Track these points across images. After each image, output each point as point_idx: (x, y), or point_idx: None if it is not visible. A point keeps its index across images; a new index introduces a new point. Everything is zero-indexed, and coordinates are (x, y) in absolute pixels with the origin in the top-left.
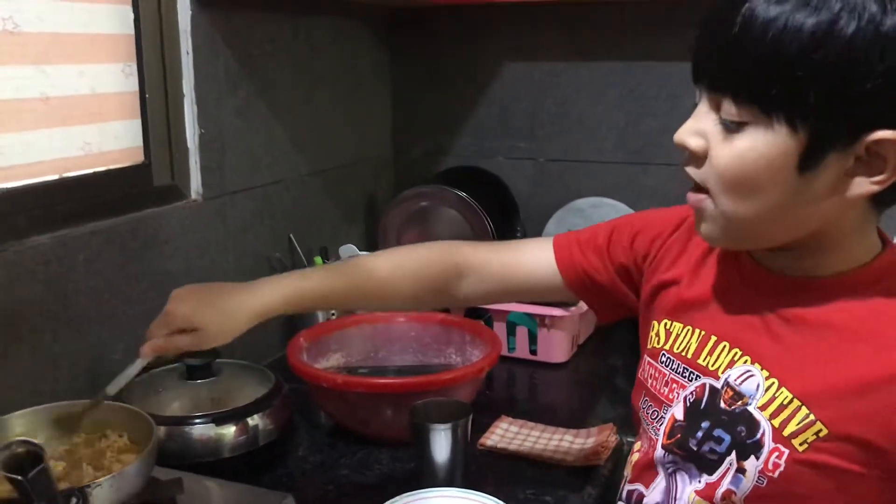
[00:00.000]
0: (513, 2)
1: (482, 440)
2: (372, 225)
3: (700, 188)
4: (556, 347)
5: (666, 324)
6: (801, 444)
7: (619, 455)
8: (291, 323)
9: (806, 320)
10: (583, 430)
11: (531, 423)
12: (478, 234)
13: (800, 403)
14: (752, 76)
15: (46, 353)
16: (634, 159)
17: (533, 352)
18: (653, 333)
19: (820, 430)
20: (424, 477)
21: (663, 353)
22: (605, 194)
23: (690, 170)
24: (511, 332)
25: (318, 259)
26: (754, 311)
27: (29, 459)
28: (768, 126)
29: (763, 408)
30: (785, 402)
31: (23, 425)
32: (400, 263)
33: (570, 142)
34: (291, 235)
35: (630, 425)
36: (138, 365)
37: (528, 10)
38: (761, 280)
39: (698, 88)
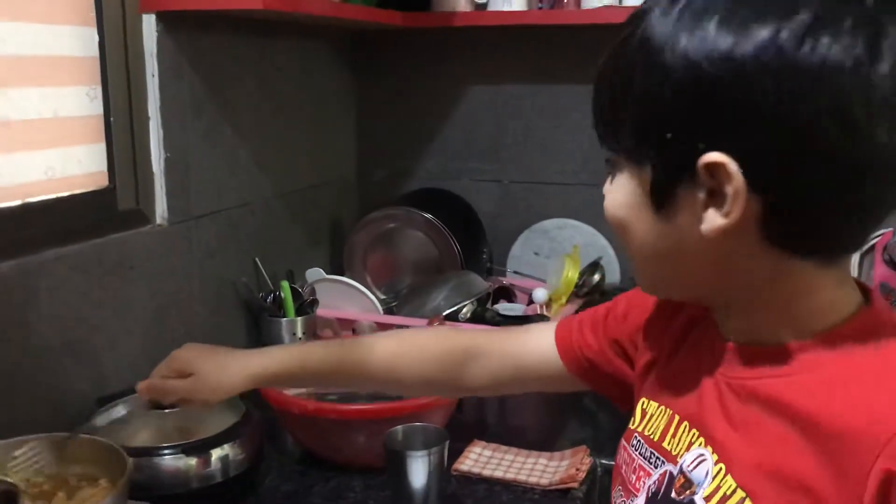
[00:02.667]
0: (474, 26)
1: (456, 465)
2: (337, 248)
3: None
4: None
5: (643, 403)
6: None
7: (594, 477)
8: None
9: (756, 396)
10: (556, 452)
11: (504, 447)
12: (444, 257)
13: (744, 495)
14: (598, 116)
15: (7, 382)
16: (598, 181)
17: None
18: (633, 414)
19: None
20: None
21: (635, 436)
22: (570, 216)
23: None
24: None
25: (285, 284)
26: (713, 386)
27: (4, 498)
28: (623, 164)
29: (708, 499)
30: (728, 493)
31: None
32: (402, 343)
33: (534, 164)
34: (257, 259)
35: (601, 447)
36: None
37: (491, 34)
38: (718, 348)
39: None
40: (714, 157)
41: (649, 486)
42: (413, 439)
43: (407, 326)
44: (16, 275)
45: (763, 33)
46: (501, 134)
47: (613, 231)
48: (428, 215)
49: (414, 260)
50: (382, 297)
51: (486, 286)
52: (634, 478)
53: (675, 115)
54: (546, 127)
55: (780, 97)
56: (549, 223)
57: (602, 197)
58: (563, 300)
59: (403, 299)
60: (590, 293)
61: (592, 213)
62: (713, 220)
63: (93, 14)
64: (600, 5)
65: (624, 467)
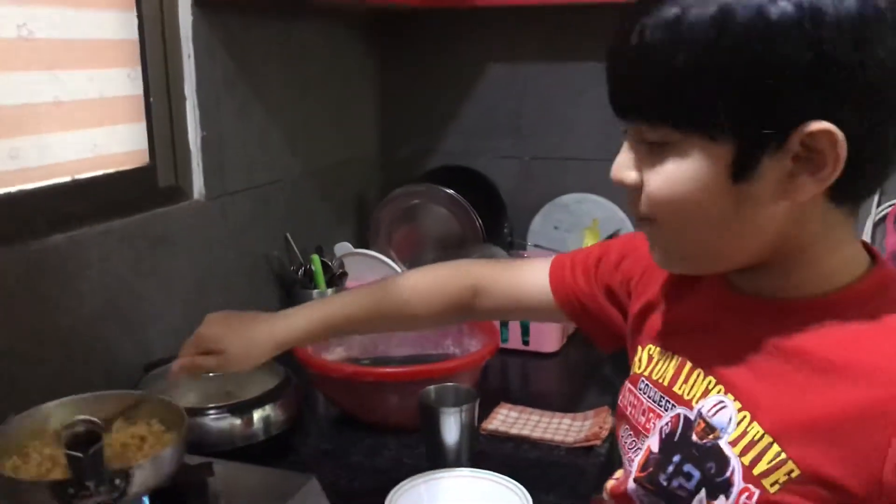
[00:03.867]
0: (493, 5)
1: (484, 424)
2: (362, 223)
3: (642, 220)
4: (547, 338)
5: (650, 349)
6: (772, 485)
7: (615, 435)
8: None
9: (781, 348)
10: (579, 413)
11: (529, 409)
12: (466, 232)
13: (771, 440)
14: (656, 94)
15: (64, 348)
16: (615, 156)
17: (525, 342)
18: (636, 359)
19: (792, 471)
20: (434, 458)
21: (642, 380)
22: (589, 190)
23: (631, 207)
24: (504, 324)
25: (315, 257)
26: (730, 337)
27: (86, 437)
28: (688, 142)
29: (734, 443)
30: (756, 438)
31: (60, 413)
32: (418, 284)
33: (553, 140)
34: (288, 234)
35: None
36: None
37: (510, 14)
38: (737, 303)
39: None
40: (821, 125)
41: (661, 428)
42: (445, 398)
43: None
44: (69, 247)
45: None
46: (520, 111)
47: (665, 212)
48: (450, 191)
49: (437, 235)
50: (405, 270)
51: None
52: (644, 419)
53: (783, 89)
54: (564, 104)
55: (883, 64)
56: (568, 198)
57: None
58: None
59: None
60: None
61: (610, 187)
62: (807, 186)
63: None
64: None
65: (630, 409)
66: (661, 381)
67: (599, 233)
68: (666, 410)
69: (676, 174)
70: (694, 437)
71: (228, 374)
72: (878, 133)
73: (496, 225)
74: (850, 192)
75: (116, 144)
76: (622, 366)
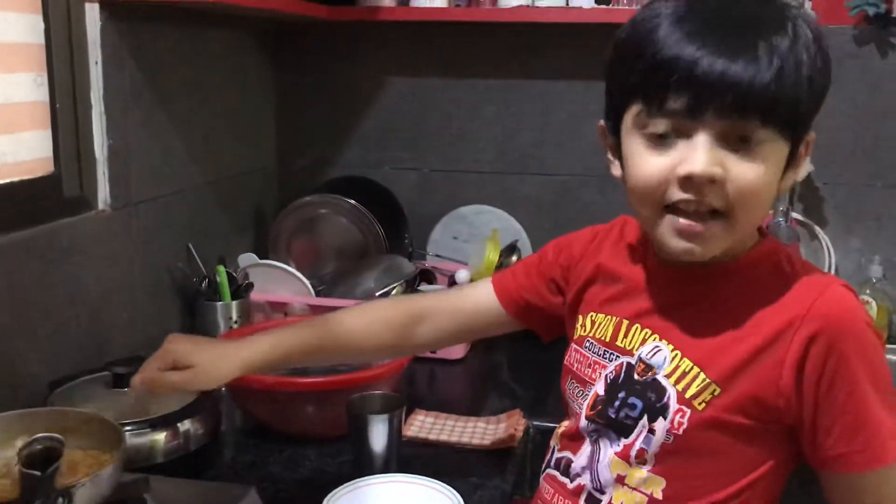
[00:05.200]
0: (394, 20)
1: (403, 431)
2: (261, 235)
3: (702, 215)
4: (453, 346)
5: (592, 315)
6: (700, 404)
7: (528, 436)
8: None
9: (705, 298)
10: (492, 416)
11: (444, 414)
12: (368, 242)
13: (698, 370)
14: (778, 99)
15: None
16: (511, 169)
17: (433, 351)
18: (578, 325)
19: (714, 390)
20: (363, 465)
21: (587, 340)
22: (486, 202)
23: (703, 201)
24: None
25: (221, 268)
26: (661, 298)
27: (43, 455)
28: (777, 142)
29: (668, 375)
30: (686, 370)
31: None
32: (364, 315)
33: (451, 153)
34: (190, 245)
35: (530, 410)
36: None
37: (411, 29)
38: (670, 272)
39: (688, 115)
40: (813, 134)
41: (606, 375)
42: (372, 405)
43: (339, 308)
44: None
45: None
46: (420, 124)
47: (751, 202)
48: (352, 201)
49: (338, 245)
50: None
51: (413, 268)
52: (590, 371)
53: (820, 103)
54: (463, 118)
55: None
56: (467, 209)
57: (522, 183)
58: None
59: (332, 282)
60: None
61: (506, 198)
62: (790, 178)
63: (39, 1)
64: (516, 4)
65: (576, 365)
66: (603, 338)
67: (500, 242)
68: (610, 361)
69: (769, 168)
70: (636, 376)
71: (195, 387)
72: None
73: (397, 236)
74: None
75: (24, 152)
76: (518, 370)
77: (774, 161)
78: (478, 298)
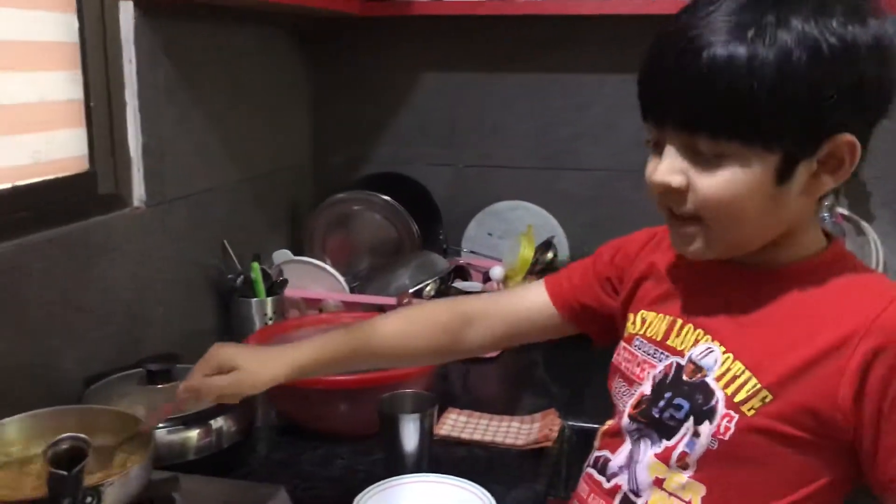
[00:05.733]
0: (427, 15)
1: (435, 430)
2: (295, 231)
3: (685, 219)
4: None
5: (642, 313)
6: (749, 410)
7: (564, 437)
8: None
9: (761, 303)
10: (527, 416)
11: (478, 413)
12: (403, 238)
13: (750, 374)
14: (727, 114)
15: (4, 362)
16: (546, 164)
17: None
18: (629, 323)
19: (766, 397)
20: (394, 465)
21: (637, 338)
22: (521, 198)
23: (674, 206)
24: None
25: (255, 265)
26: (717, 298)
27: (69, 454)
28: (746, 153)
29: (718, 378)
30: (737, 373)
31: (16, 431)
32: (410, 319)
33: (486, 148)
34: (225, 242)
35: (565, 409)
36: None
37: (444, 23)
38: (725, 272)
39: (659, 128)
40: (847, 137)
41: (654, 375)
42: (404, 405)
43: (376, 304)
44: (10, 256)
45: (875, 28)
46: (454, 120)
47: (718, 213)
48: (386, 198)
49: (372, 242)
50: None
51: (448, 265)
52: (638, 370)
53: (831, 108)
54: (497, 113)
55: (892, 83)
56: (501, 205)
57: (558, 179)
58: (519, 277)
59: (366, 279)
60: (544, 270)
61: (542, 194)
62: (827, 183)
63: (74, 0)
64: None
65: (624, 364)
66: (654, 336)
67: (535, 239)
68: (659, 361)
69: (733, 180)
70: (684, 377)
71: (241, 392)
72: (868, 142)
73: (431, 232)
74: (833, 189)
75: (59, 150)
76: (554, 369)
77: (747, 173)
78: (530, 301)
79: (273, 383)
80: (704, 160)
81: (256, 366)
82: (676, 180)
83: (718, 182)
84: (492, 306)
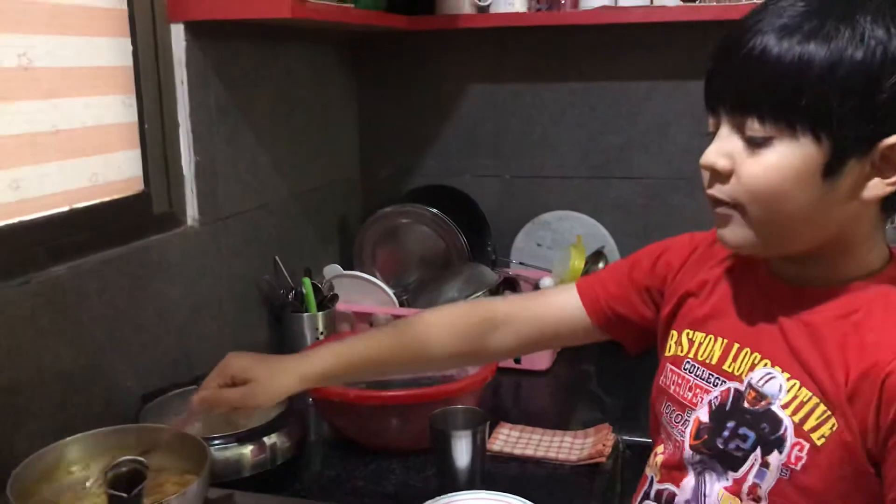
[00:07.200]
0: (472, 28)
1: (487, 445)
2: (345, 245)
3: (726, 204)
4: (538, 356)
5: (688, 333)
6: (819, 438)
7: (618, 452)
8: (281, 350)
9: (817, 324)
10: (580, 431)
11: (530, 428)
12: (451, 251)
13: (818, 401)
14: (778, 95)
15: (67, 381)
16: (597, 174)
17: (517, 361)
18: (672, 343)
19: (834, 425)
20: (447, 481)
21: (687, 361)
22: (570, 208)
23: (717, 189)
24: None
25: (307, 280)
26: (772, 319)
27: (129, 477)
28: (794, 139)
29: (785, 406)
30: (805, 400)
31: (78, 450)
32: (434, 322)
33: (534, 159)
34: (277, 258)
35: (619, 423)
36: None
37: (490, 35)
38: (778, 290)
39: (715, 115)
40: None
41: (710, 401)
42: (455, 420)
43: None
44: (69, 277)
45: None
46: (501, 131)
47: (760, 198)
48: (434, 210)
49: (421, 254)
50: (392, 290)
51: (496, 277)
52: (690, 395)
53: (885, 106)
54: (545, 123)
55: None
56: (550, 215)
57: (609, 188)
58: None
59: (415, 292)
60: None
61: (591, 203)
62: (878, 187)
63: (127, 25)
64: (598, 6)
65: (673, 387)
66: (708, 360)
67: (584, 249)
68: (715, 386)
69: (778, 165)
70: (746, 405)
71: (253, 404)
72: None
73: (479, 244)
74: (889, 195)
75: (113, 172)
76: (608, 381)
77: (793, 161)
78: (562, 306)
79: (284, 396)
80: (754, 145)
81: (268, 379)
82: (722, 162)
83: (763, 165)
84: (519, 310)
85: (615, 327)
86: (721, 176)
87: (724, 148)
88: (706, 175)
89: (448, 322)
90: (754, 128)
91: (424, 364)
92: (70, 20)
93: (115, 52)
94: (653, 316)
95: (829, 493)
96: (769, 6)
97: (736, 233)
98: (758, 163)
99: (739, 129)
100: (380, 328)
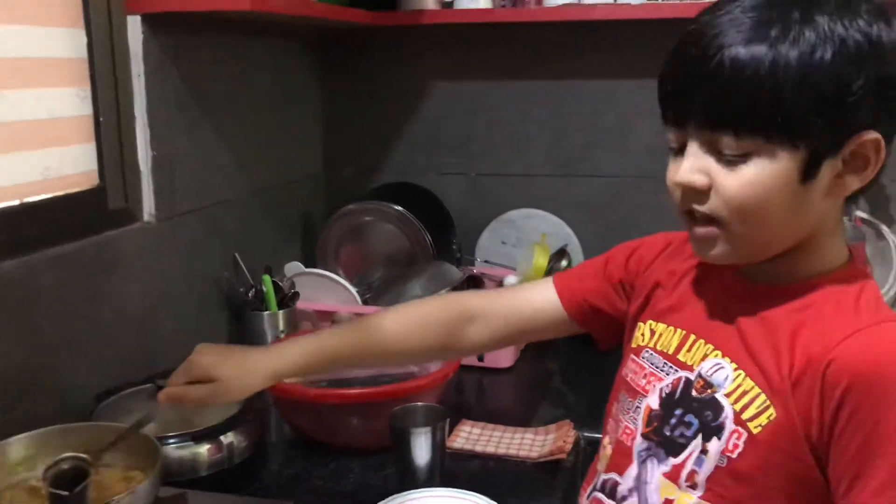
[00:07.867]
0: (439, 23)
1: (448, 443)
2: (309, 242)
3: (706, 219)
4: (502, 354)
5: (651, 324)
6: (755, 427)
7: (579, 448)
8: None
9: (770, 319)
10: (541, 427)
11: (491, 425)
12: (416, 249)
13: (759, 391)
14: (751, 112)
15: (17, 379)
16: (561, 172)
17: (480, 359)
18: (638, 333)
19: (771, 415)
20: (407, 479)
21: (646, 350)
22: (535, 206)
23: (694, 206)
24: None
25: (267, 278)
26: (730, 314)
27: (71, 474)
28: (771, 151)
29: (728, 395)
30: (747, 389)
31: (22, 450)
32: (406, 315)
33: (499, 157)
34: (237, 255)
35: (582, 420)
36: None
37: (456, 32)
38: (740, 287)
39: (680, 130)
40: (872, 135)
41: (661, 388)
42: (415, 418)
43: None
44: (20, 273)
45: None
46: (467, 128)
47: (741, 213)
48: (399, 208)
49: (385, 252)
50: (355, 288)
51: (461, 275)
52: (644, 382)
53: (855, 105)
54: (511, 121)
55: None
56: (514, 213)
57: (573, 186)
58: None
59: (379, 290)
60: None
61: (556, 202)
62: (852, 183)
63: (81, 16)
64: (562, 3)
65: (630, 375)
66: (665, 350)
67: (549, 247)
68: (667, 374)
69: (757, 179)
70: (694, 393)
71: (220, 401)
72: (892, 142)
73: (444, 242)
74: (859, 192)
75: (68, 166)
76: (571, 378)
77: (771, 172)
78: (537, 299)
79: (250, 393)
80: (727, 159)
81: (234, 377)
82: (699, 179)
83: (742, 180)
84: (494, 303)
85: (590, 320)
86: (698, 193)
87: (696, 165)
88: (677, 192)
89: (422, 316)
90: (731, 145)
91: (397, 358)
92: (21, 9)
93: (69, 43)
94: (625, 309)
95: (766, 484)
96: (720, 15)
97: (721, 249)
98: (737, 177)
99: (711, 144)
100: (350, 322)
